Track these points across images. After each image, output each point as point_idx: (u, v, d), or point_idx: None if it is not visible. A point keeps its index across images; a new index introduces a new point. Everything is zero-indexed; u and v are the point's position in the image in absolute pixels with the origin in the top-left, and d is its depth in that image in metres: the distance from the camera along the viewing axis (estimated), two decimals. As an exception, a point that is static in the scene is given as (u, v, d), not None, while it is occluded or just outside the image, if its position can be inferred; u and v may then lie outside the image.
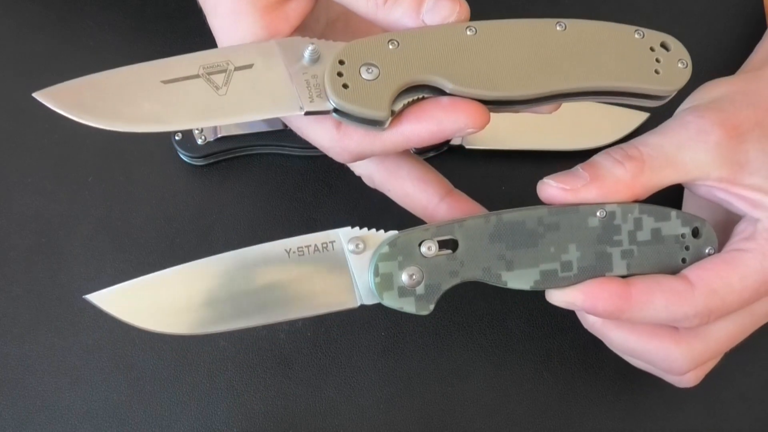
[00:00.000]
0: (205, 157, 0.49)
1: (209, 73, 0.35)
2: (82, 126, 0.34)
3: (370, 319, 0.47)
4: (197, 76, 0.35)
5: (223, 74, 0.35)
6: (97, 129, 0.34)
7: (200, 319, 0.36)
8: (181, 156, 0.50)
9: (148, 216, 0.49)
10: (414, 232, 0.36)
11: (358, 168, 0.42)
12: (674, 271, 0.37)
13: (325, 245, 0.37)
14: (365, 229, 0.37)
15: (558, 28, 0.36)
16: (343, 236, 0.37)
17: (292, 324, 0.46)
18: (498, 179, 0.50)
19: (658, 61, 0.37)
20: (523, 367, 0.46)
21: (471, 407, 0.46)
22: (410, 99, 0.36)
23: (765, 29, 0.51)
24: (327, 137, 0.37)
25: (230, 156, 0.50)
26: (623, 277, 0.37)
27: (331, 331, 0.47)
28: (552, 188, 0.37)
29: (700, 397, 0.43)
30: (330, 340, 0.46)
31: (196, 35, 0.47)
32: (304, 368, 0.46)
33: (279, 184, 0.50)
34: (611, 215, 0.37)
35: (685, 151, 0.38)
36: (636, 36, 0.37)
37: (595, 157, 0.38)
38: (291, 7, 0.38)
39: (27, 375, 0.45)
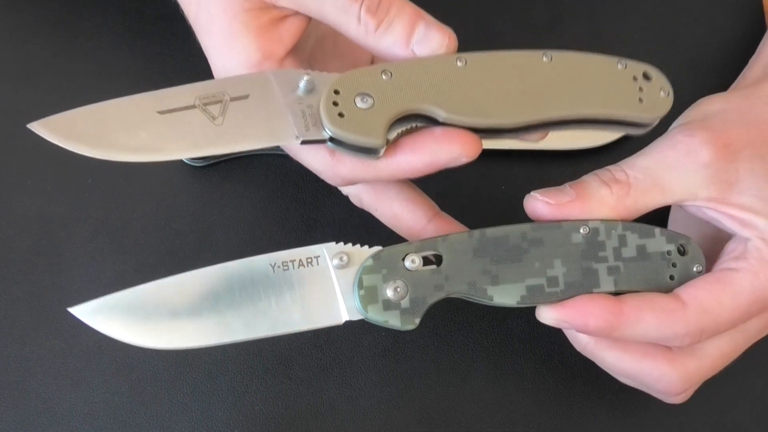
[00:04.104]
0: (204, 158, 0.49)
1: (205, 104, 0.35)
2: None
3: (371, 319, 0.47)
4: (193, 107, 0.35)
5: (219, 104, 0.35)
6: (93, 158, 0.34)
7: (183, 334, 0.36)
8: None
9: (148, 217, 0.49)
10: (398, 247, 0.37)
11: (346, 188, 0.42)
12: (663, 289, 0.37)
13: (309, 260, 0.37)
14: (350, 244, 0.37)
15: (545, 59, 0.37)
16: (328, 251, 0.37)
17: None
18: (498, 179, 0.50)
19: (641, 90, 0.38)
20: (524, 367, 0.46)
21: (472, 407, 0.46)
22: (404, 128, 0.36)
23: (765, 29, 0.51)
24: (321, 162, 0.37)
25: (230, 157, 0.50)
26: (612, 294, 0.37)
27: (332, 332, 0.46)
28: (537, 201, 0.37)
29: (700, 396, 0.43)
30: (330, 341, 0.46)
31: (194, 37, 0.47)
32: (304, 369, 0.46)
33: (279, 184, 0.50)
34: (595, 231, 0.37)
35: (673, 173, 0.37)
36: (619, 66, 0.38)
37: (583, 177, 0.39)
38: (285, 28, 0.38)
39: (28, 377, 0.45)
